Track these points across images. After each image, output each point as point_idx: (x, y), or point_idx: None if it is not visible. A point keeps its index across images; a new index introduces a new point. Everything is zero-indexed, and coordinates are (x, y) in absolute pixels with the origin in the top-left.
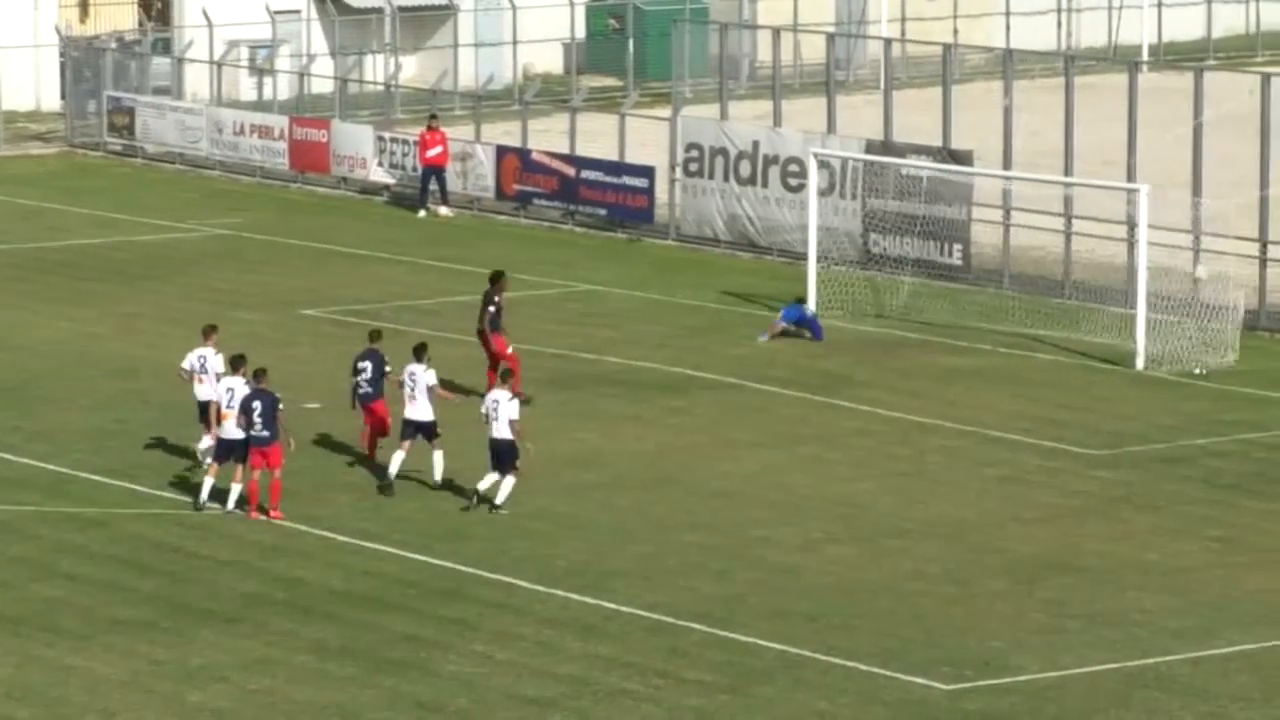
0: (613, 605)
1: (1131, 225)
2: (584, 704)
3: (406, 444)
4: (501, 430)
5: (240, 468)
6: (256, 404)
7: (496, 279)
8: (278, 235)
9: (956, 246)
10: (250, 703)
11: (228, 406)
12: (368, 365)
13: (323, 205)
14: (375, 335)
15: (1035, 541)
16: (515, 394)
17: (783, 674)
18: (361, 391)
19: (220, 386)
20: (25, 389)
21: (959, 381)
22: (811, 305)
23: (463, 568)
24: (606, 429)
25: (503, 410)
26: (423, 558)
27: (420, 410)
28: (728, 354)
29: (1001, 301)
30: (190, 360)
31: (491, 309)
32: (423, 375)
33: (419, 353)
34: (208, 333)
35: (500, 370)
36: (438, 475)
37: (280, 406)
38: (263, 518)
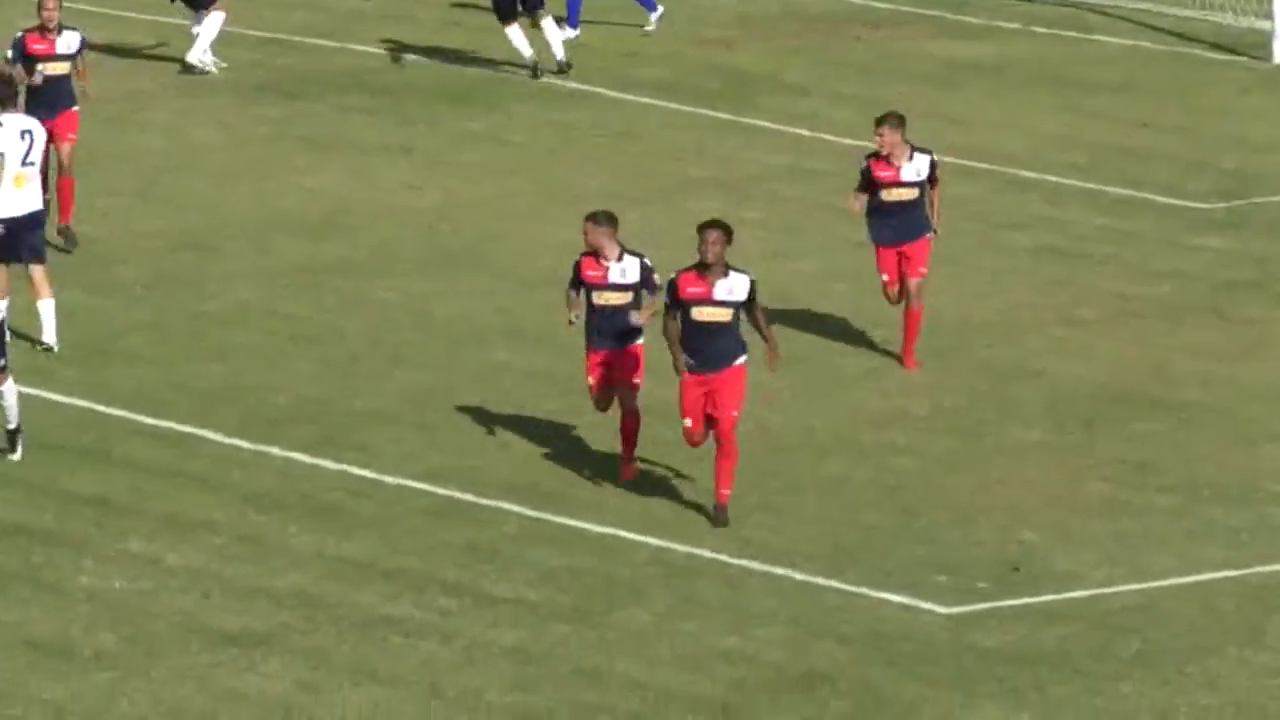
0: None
1: None
2: None
3: None
4: None
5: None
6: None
7: None
8: None
9: None
10: None
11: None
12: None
13: None
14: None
15: (1097, 357)
16: None
17: (661, 587)
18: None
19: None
20: None
21: (963, 84)
22: None
23: None
24: (355, 169)
25: None
26: None
27: None
28: (564, 38)
29: None
30: None
31: None
32: None
33: None
34: None
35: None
36: None
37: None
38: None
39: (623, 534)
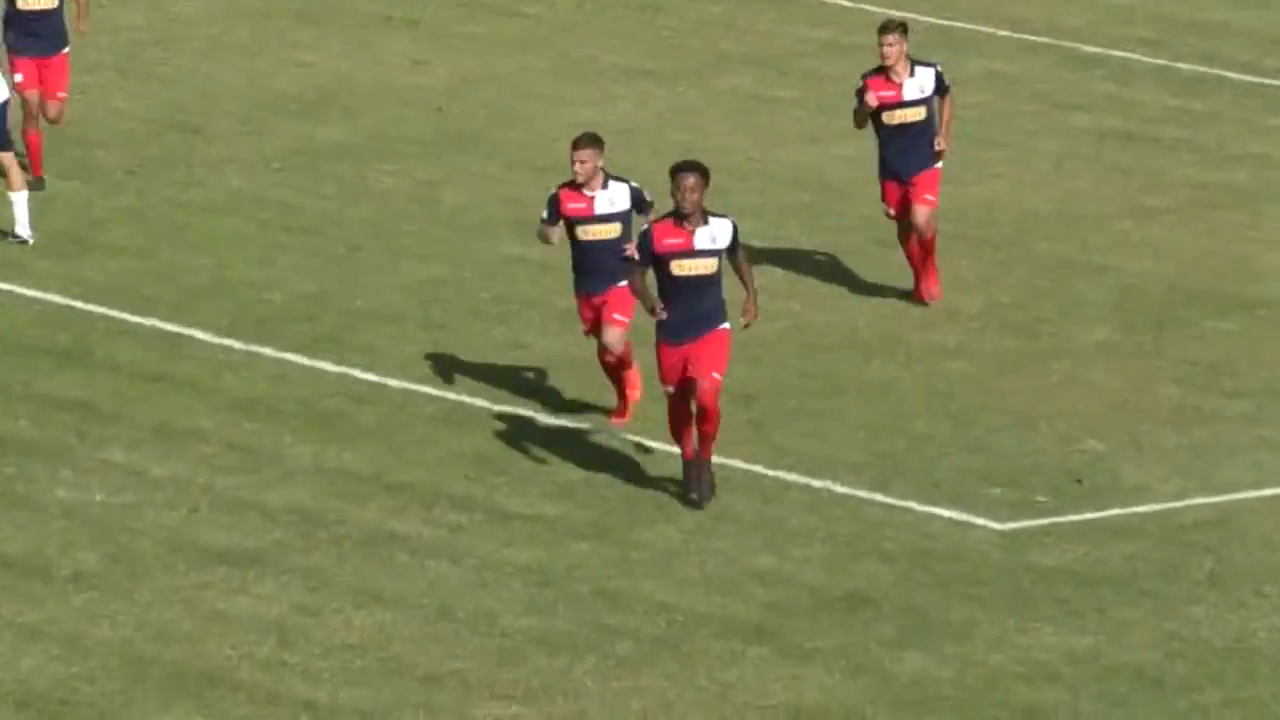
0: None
1: None
2: None
3: None
4: None
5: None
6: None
7: None
8: None
9: None
10: None
11: None
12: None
13: None
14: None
15: (1167, 250)
16: None
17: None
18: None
19: None
20: None
21: None
22: None
23: None
24: (354, 44)
25: None
26: None
27: None
28: None
29: None
30: None
31: None
32: None
33: None
34: None
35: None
36: None
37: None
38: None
39: (647, 443)
